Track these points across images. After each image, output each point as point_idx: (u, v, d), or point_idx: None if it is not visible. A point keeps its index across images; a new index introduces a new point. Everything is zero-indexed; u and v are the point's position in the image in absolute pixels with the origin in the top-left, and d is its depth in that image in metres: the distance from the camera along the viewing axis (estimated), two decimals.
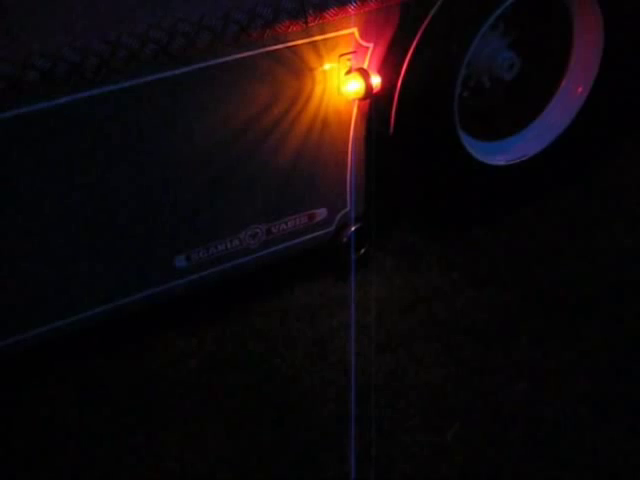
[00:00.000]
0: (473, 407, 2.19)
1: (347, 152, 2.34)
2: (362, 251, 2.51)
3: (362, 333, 2.34)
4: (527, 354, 2.32)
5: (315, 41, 2.12)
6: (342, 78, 2.21)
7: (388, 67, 2.28)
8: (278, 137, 2.21)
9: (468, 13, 2.37)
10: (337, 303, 2.45)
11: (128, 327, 2.31)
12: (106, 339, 2.30)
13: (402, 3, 2.22)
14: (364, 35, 2.19)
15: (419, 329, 2.39)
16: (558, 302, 2.47)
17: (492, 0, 2.38)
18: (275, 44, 2.07)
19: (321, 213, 2.41)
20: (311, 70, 2.16)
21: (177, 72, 1.99)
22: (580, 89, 2.70)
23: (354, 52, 2.20)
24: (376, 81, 2.23)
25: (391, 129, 2.38)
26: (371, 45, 2.22)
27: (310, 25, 2.08)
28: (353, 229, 2.46)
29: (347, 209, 2.44)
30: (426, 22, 2.27)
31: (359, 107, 2.29)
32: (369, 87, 2.21)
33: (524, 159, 2.69)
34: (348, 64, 2.21)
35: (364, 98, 2.23)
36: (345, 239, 2.46)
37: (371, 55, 2.23)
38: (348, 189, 2.40)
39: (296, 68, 2.14)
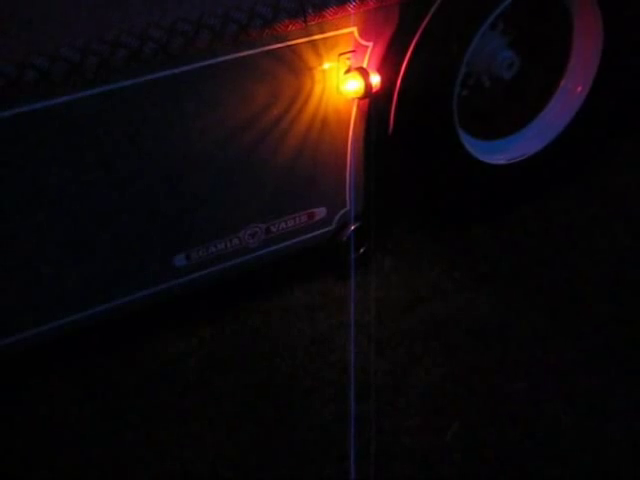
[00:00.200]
0: (473, 407, 2.19)
1: (346, 151, 2.34)
2: (362, 250, 2.51)
3: (362, 332, 2.34)
4: (527, 353, 2.32)
5: (314, 40, 2.12)
6: (341, 77, 2.21)
7: (387, 66, 2.27)
8: (277, 136, 2.21)
9: (468, 12, 2.37)
10: (337, 302, 2.45)
11: (128, 326, 2.30)
12: (106, 338, 2.30)
13: (401, 2, 2.22)
14: (363, 34, 2.19)
15: (419, 328, 2.39)
16: (558, 301, 2.47)
17: None
18: (274, 43, 2.07)
19: (320, 212, 2.40)
20: (310, 69, 2.16)
21: (177, 71, 1.99)
22: (580, 88, 2.70)
23: (353, 51, 2.20)
24: (375, 80, 2.23)
25: (390, 128, 2.38)
26: (370, 44, 2.22)
27: (309, 24, 2.08)
28: (352, 228, 2.46)
29: (346, 208, 2.44)
30: (426, 21, 2.27)
31: (358, 106, 2.29)
32: (368, 86, 2.21)
33: (524, 158, 2.69)
34: (347, 63, 2.20)
35: (363, 97, 2.23)
36: (344, 238, 2.46)
37: (370, 54, 2.23)
38: (347, 188, 2.40)
39: (295, 67, 2.14)
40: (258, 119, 2.15)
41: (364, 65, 2.23)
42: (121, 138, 2.01)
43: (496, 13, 2.42)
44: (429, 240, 2.65)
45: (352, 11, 2.12)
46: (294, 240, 2.39)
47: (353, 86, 2.22)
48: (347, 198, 2.42)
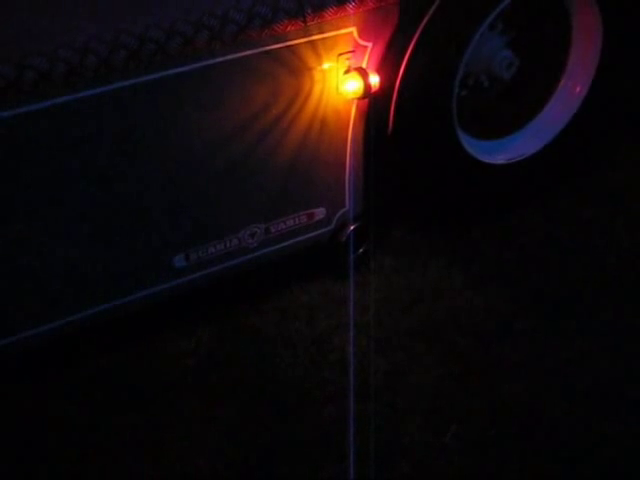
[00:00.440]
0: (472, 407, 2.19)
1: (346, 151, 2.34)
2: (361, 250, 2.51)
3: (361, 332, 2.34)
4: (526, 354, 2.32)
5: (314, 40, 2.12)
6: (341, 77, 2.21)
7: (387, 66, 2.27)
8: (277, 136, 2.21)
9: (467, 12, 2.37)
10: (336, 302, 2.45)
11: (127, 327, 2.30)
12: (105, 339, 2.30)
13: (401, 2, 2.22)
14: (363, 34, 2.19)
15: (418, 328, 2.39)
16: (558, 301, 2.47)
17: None
18: (274, 43, 2.07)
19: (320, 212, 2.40)
20: (310, 69, 2.16)
21: (176, 71, 1.99)
22: (578, 88, 2.70)
23: (353, 51, 2.20)
24: (375, 80, 2.23)
25: (390, 128, 2.38)
26: (370, 44, 2.22)
27: (309, 24, 2.08)
28: (352, 228, 2.46)
29: (346, 208, 2.44)
30: (425, 21, 2.27)
31: (358, 106, 2.29)
32: (368, 86, 2.21)
33: (523, 158, 2.69)
34: (347, 63, 2.21)
35: (363, 97, 2.23)
36: (344, 238, 2.46)
37: (370, 54, 2.23)
38: (347, 188, 2.40)
39: (295, 67, 2.14)
40: (257, 119, 2.15)
41: (363, 65, 2.23)
42: (120, 138, 2.01)
43: (495, 13, 2.42)
44: (428, 240, 2.65)
45: (351, 11, 2.13)
46: (293, 240, 2.39)
47: (352, 86, 2.22)
48: (346, 198, 2.42)
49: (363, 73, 2.21)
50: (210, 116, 2.10)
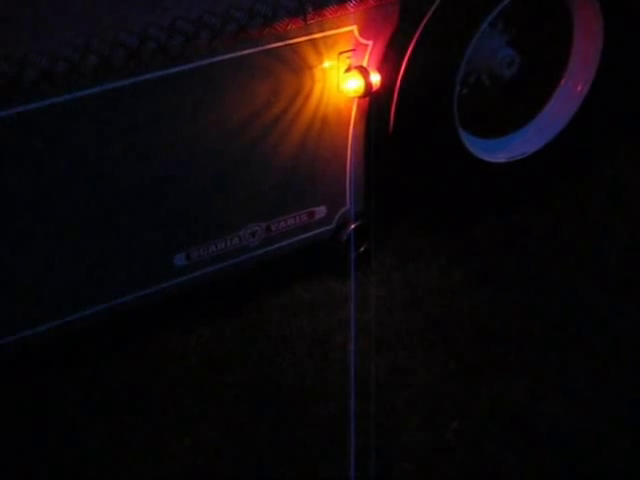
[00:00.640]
0: (473, 406, 2.19)
1: (347, 150, 2.34)
2: (362, 249, 2.51)
3: (362, 331, 2.34)
4: (527, 353, 2.32)
5: (314, 39, 2.12)
6: (341, 76, 2.21)
7: (388, 65, 2.27)
8: (278, 135, 2.21)
9: (468, 10, 2.37)
10: (337, 301, 2.45)
11: (128, 325, 2.30)
12: (106, 338, 2.30)
13: (401, 0, 2.22)
14: (364, 33, 2.19)
15: (419, 327, 2.39)
16: (558, 301, 2.47)
17: None
18: (274, 42, 2.07)
19: (321, 211, 2.40)
20: (310, 68, 2.16)
21: (176, 70, 1.98)
22: (580, 87, 2.69)
23: (353, 50, 2.20)
24: (375, 79, 2.23)
25: (391, 127, 2.38)
26: (370, 43, 2.22)
27: (309, 23, 2.08)
28: (353, 227, 2.46)
29: (347, 207, 2.43)
30: (426, 19, 2.27)
31: (358, 105, 2.29)
32: (369, 85, 2.21)
33: (524, 157, 2.69)
34: (347, 62, 2.20)
35: (364, 96, 2.23)
36: (345, 237, 2.46)
37: (370, 53, 2.23)
38: (348, 187, 2.40)
39: (295, 66, 2.14)
40: (258, 118, 2.15)
41: (364, 64, 2.23)
42: (120, 137, 2.01)
43: (496, 11, 2.41)
44: (429, 239, 2.65)
45: (352, 9, 2.13)
46: (294, 239, 2.39)
47: (353, 85, 2.21)
48: (347, 197, 2.42)
49: (364, 72, 2.21)
50: (211, 115, 2.09)
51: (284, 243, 2.38)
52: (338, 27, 2.14)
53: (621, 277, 2.54)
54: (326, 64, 2.18)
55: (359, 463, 2.03)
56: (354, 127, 2.31)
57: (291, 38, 2.08)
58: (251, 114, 2.14)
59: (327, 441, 2.10)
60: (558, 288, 2.51)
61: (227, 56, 2.04)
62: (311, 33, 2.11)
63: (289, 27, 2.05)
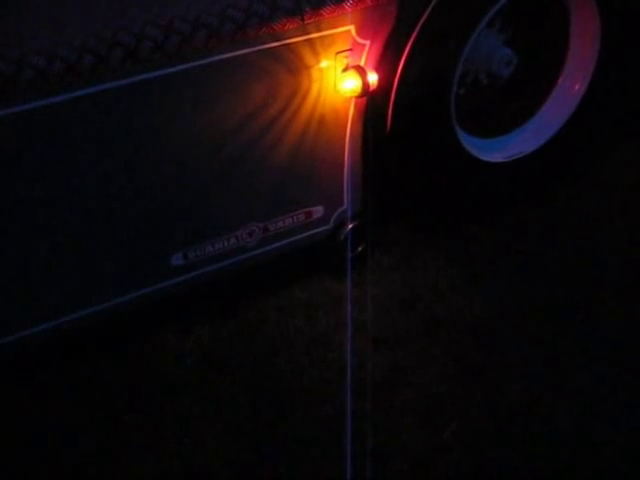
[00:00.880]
0: (471, 405, 2.19)
1: (344, 150, 2.34)
2: (359, 249, 2.51)
3: (359, 331, 2.34)
4: (525, 353, 2.32)
5: (312, 38, 2.12)
6: (339, 76, 2.21)
7: (385, 64, 2.27)
8: (275, 135, 2.20)
9: (465, 10, 2.37)
10: (334, 301, 2.45)
11: (125, 326, 2.30)
12: (103, 338, 2.30)
13: (399, 0, 2.22)
14: (361, 32, 2.19)
15: (417, 327, 2.39)
16: (556, 300, 2.47)
17: None
18: (271, 42, 2.07)
19: (318, 211, 2.40)
20: (308, 68, 2.16)
21: (173, 70, 1.98)
22: (577, 86, 2.69)
23: (351, 49, 2.19)
24: (373, 79, 2.23)
25: (388, 126, 2.38)
26: (368, 42, 2.22)
27: (306, 22, 2.08)
28: (350, 227, 2.46)
29: (344, 207, 2.43)
30: (423, 19, 2.27)
31: (356, 105, 2.29)
32: (366, 85, 2.21)
33: (522, 156, 2.69)
34: (345, 62, 2.20)
35: (361, 96, 2.23)
36: (342, 237, 2.46)
37: (368, 52, 2.23)
38: (345, 187, 2.40)
39: (293, 66, 2.13)
40: (255, 118, 2.15)
41: (361, 63, 2.23)
42: (117, 137, 2.01)
43: (494, 10, 2.41)
44: (427, 238, 2.65)
45: (349, 9, 2.12)
46: (292, 239, 2.39)
47: (350, 84, 2.21)
48: (344, 197, 2.42)
49: (361, 71, 2.21)
50: (208, 114, 2.09)
51: (281, 243, 2.38)
52: (335, 27, 2.14)
53: (619, 277, 2.53)
54: (323, 64, 2.17)
55: (357, 463, 2.03)
56: (351, 127, 2.31)
57: (288, 38, 2.08)
58: (248, 114, 2.14)
59: (325, 441, 2.10)
60: (556, 288, 2.51)
61: (224, 56, 2.03)
62: (308, 33, 2.11)
63: (286, 27, 2.05)
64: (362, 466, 2.03)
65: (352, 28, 2.17)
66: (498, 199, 2.72)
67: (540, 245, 2.65)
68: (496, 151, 2.68)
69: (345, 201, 2.43)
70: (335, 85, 2.22)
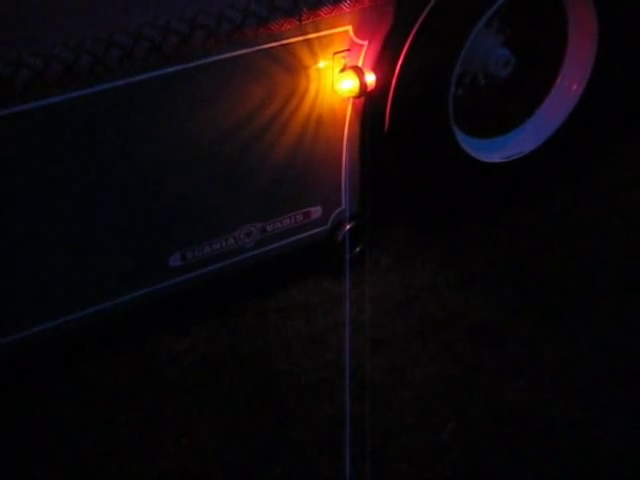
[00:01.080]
0: (469, 406, 2.19)
1: (342, 150, 2.34)
2: (357, 249, 2.51)
3: (358, 331, 2.34)
4: (524, 353, 2.32)
5: (309, 39, 2.12)
6: (336, 76, 2.21)
7: (383, 65, 2.27)
8: (272, 135, 2.20)
9: (463, 10, 2.37)
10: (333, 301, 2.45)
11: (123, 326, 2.30)
12: (101, 338, 2.29)
13: (396, 0, 2.22)
14: (359, 33, 2.19)
15: (415, 327, 2.39)
16: (555, 301, 2.47)
17: None
18: (269, 42, 2.07)
19: (316, 211, 2.40)
20: (305, 68, 2.16)
21: (171, 70, 1.98)
22: (575, 86, 2.70)
23: (348, 50, 2.19)
24: (371, 79, 2.23)
25: (386, 127, 2.38)
26: (366, 43, 2.22)
27: (304, 23, 2.08)
28: (348, 227, 2.46)
29: (342, 207, 2.43)
30: (421, 19, 2.27)
31: (354, 105, 2.29)
32: (364, 85, 2.21)
33: (520, 156, 2.69)
34: (342, 62, 2.20)
35: (359, 96, 2.23)
36: (340, 237, 2.46)
37: (366, 53, 2.23)
38: (343, 187, 2.40)
39: (290, 66, 2.13)
40: (253, 118, 2.15)
41: (359, 64, 2.23)
42: (115, 137, 2.01)
43: (491, 11, 2.41)
44: (425, 239, 2.65)
45: (347, 9, 2.12)
46: (290, 239, 2.39)
47: (348, 85, 2.21)
48: (343, 197, 2.42)
49: (359, 72, 2.20)
50: (205, 115, 2.09)
51: (280, 244, 2.38)
52: (333, 27, 2.14)
53: (618, 277, 2.53)
54: (321, 64, 2.17)
55: (355, 463, 2.03)
56: (349, 127, 2.31)
57: (286, 38, 2.08)
58: (246, 114, 2.14)
59: (323, 442, 2.10)
60: (556, 287, 2.51)
61: (222, 56, 2.03)
62: (306, 33, 2.10)
63: (284, 27, 2.05)
64: (360, 467, 2.03)
65: (350, 28, 2.17)
66: (496, 199, 2.72)
67: (538, 245, 2.65)
68: (494, 151, 2.68)
69: (343, 201, 2.43)
70: (333, 85, 2.22)
